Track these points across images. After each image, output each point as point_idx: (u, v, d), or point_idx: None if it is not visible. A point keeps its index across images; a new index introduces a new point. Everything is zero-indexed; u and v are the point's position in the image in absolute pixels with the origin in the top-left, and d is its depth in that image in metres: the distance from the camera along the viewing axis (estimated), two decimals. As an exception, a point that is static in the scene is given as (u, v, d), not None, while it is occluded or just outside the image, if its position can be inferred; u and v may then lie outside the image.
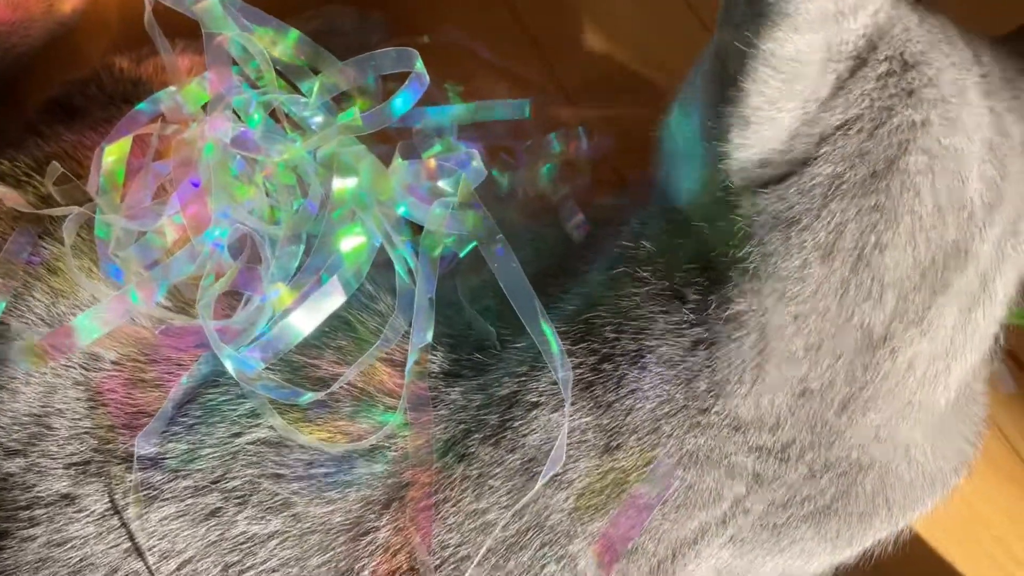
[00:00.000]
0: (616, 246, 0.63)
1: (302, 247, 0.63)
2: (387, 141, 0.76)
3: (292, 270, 0.62)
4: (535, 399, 0.59)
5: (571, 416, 0.58)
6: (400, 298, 0.63)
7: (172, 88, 0.69)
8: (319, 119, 0.69)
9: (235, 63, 0.71)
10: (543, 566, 0.58)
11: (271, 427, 0.59)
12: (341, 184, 0.65)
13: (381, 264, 0.65)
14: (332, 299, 0.61)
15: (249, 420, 0.59)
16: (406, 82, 0.66)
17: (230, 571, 0.57)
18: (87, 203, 0.65)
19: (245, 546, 0.57)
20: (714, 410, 0.57)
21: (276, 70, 0.71)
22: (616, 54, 0.93)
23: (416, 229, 0.68)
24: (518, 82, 0.88)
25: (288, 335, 0.60)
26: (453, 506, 0.58)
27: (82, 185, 0.65)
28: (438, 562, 0.57)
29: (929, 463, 0.61)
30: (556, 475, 0.57)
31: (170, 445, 0.59)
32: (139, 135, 0.68)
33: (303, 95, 0.72)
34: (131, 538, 0.57)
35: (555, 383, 0.59)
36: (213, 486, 0.58)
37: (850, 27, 0.54)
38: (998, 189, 0.56)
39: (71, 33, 0.91)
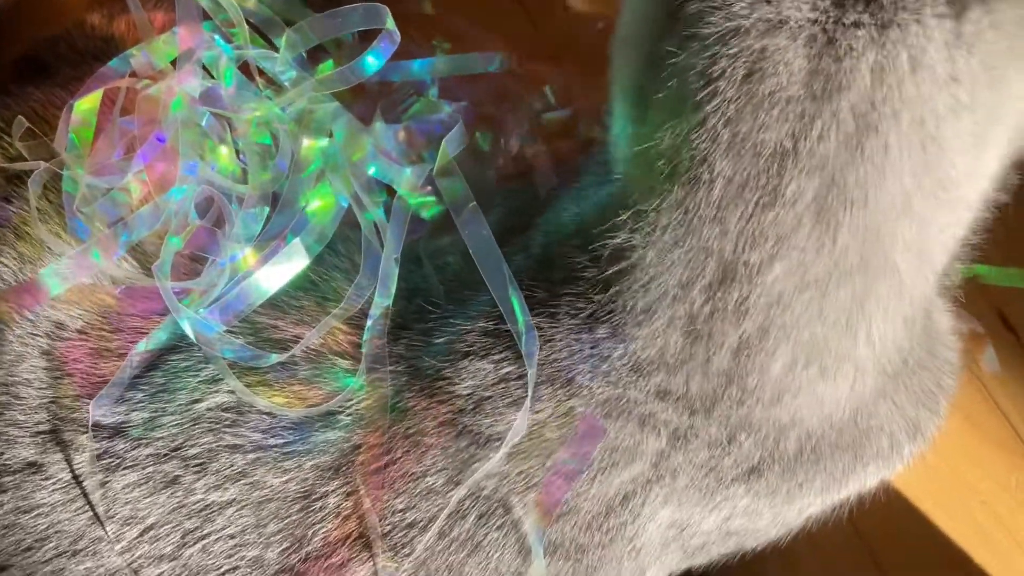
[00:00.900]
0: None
1: (267, 208, 0.62)
2: (365, 97, 0.74)
3: (256, 231, 0.61)
4: (465, 348, 0.58)
5: (499, 365, 0.57)
6: (365, 260, 0.61)
7: (142, 44, 0.67)
8: (292, 75, 0.67)
9: (208, 17, 0.69)
10: (486, 534, 0.57)
11: (231, 391, 0.58)
12: (311, 143, 0.64)
13: (350, 223, 0.64)
14: (295, 261, 0.60)
15: (209, 386, 0.58)
16: (376, 39, 0.64)
17: (188, 537, 0.57)
18: (55, 159, 0.64)
19: (203, 513, 0.57)
20: (615, 355, 0.56)
21: (249, 23, 0.69)
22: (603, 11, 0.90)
23: (391, 190, 0.66)
24: (504, 43, 0.85)
25: (250, 296, 0.59)
26: (398, 468, 0.57)
27: (49, 142, 0.64)
28: (388, 528, 0.57)
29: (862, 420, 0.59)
30: (488, 432, 0.57)
31: (133, 414, 0.58)
32: (110, 92, 0.66)
33: (276, 50, 0.71)
34: (90, 506, 0.56)
35: (486, 333, 0.58)
36: (173, 454, 0.57)
37: None
38: None
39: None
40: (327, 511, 0.57)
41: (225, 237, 0.61)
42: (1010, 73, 0.50)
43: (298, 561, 0.57)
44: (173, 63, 0.67)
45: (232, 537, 0.57)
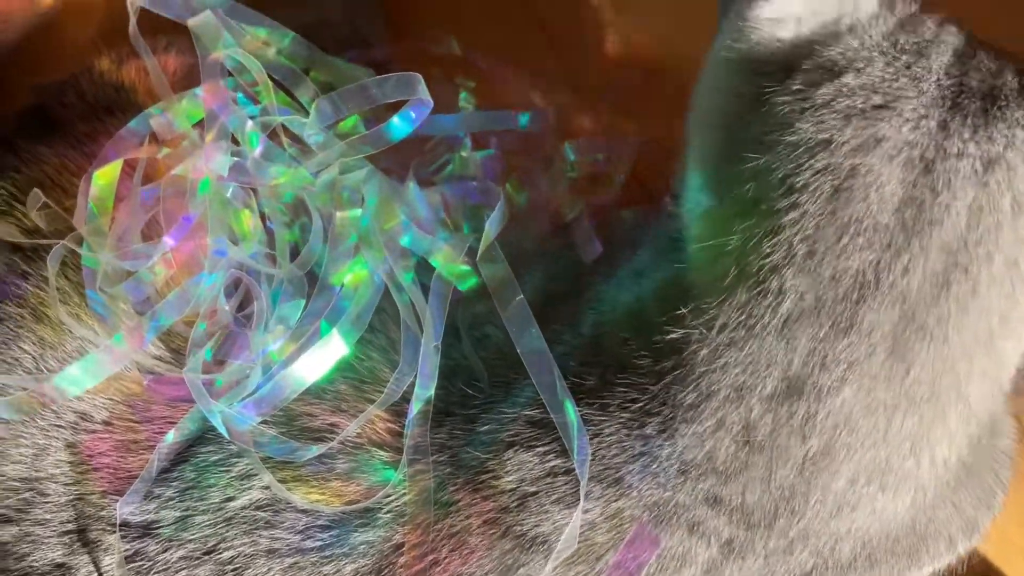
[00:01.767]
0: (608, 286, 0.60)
1: (302, 301, 0.59)
2: (394, 149, 0.71)
3: (294, 321, 0.58)
4: (510, 438, 0.56)
5: (544, 458, 0.55)
6: (405, 347, 0.58)
7: (163, 104, 0.64)
8: (320, 138, 0.64)
9: (230, 74, 0.66)
10: None
11: (265, 487, 0.55)
12: (345, 214, 0.61)
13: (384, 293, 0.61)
14: (333, 350, 0.57)
15: (242, 482, 0.56)
16: (407, 104, 0.61)
17: None
18: (72, 234, 0.61)
19: None
20: (664, 453, 0.53)
21: (271, 78, 0.66)
22: (640, 52, 0.87)
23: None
24: (534, 82, 0.82)
25: (286, 389, 0.57)
26: (443, 571, 0.55)
27: (68, 218, 0.61)
28: None
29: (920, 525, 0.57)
30: (532, 533, 0.54)
31: (164, 512, 0.56)
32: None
33: (300, 104, 0.68)
34: None
35: (532, 423, 0.56)
36: (206, 557, 0.55)
37: None
38: None
39: (52, 25, 0.85)
40: None
41: (255, 328, 0.58)
42: None
43: None
44: (193, 125, 0.65)
45: None
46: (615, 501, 0.54)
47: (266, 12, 0.72)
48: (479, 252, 0.58)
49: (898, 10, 0.53)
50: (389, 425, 0.58)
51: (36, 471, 0.57)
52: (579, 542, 0.54)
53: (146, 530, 0.55)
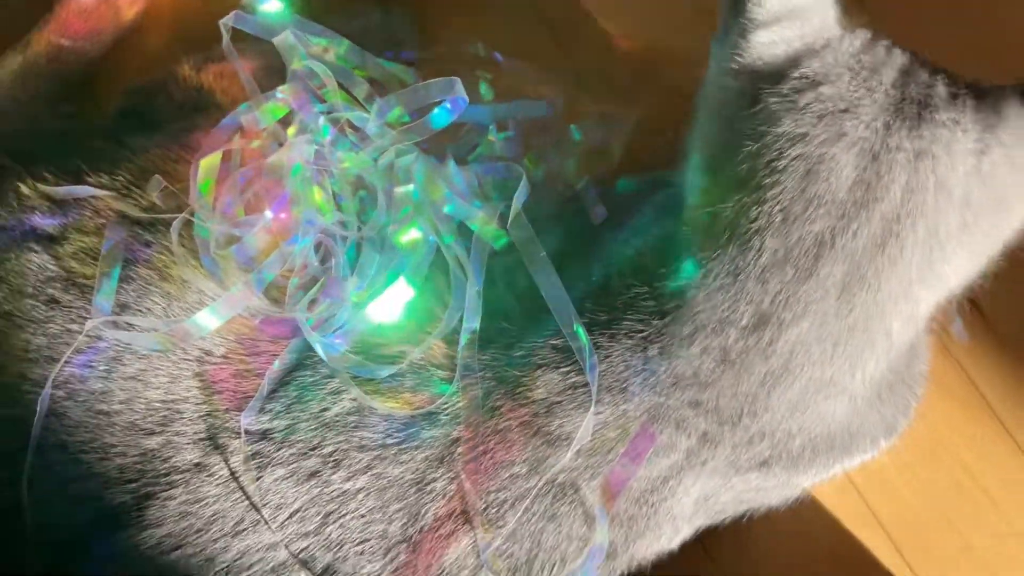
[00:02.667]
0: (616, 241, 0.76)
1: (376, 256, 0.75)
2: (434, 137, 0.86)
3: (370, 275, 0.74)
4: (539, 361, 0.72)
5: (567, 376, 0.71)
6: (454, 289, 0.75)
7: (252, 103, 0.80)
8: (377, 129, 0.80)
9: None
10: (559, 508, 0.71)
11: (352, 399, 0.72)
12: (403, 189, 0.77)
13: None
14: (400, 293, 0.73)
15: (334, 397, 0.72)
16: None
17: (328, 518, 0.71)
18: (185, 209, 0.77)
19: (339, 499, 0.71)
20: (661, 369, 0.69)
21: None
22: (634, 48, 1.02)
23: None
24: (543, 76, 0.97)
25: (365, 323, 0.73)
26: (490, 458, 0.71)
27: (182, 197, 0.77)
28: (484, 506, 0.71)
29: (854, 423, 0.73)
30: (557, 432, 0.71)
31: (276, 422, 0.72)
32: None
33: (359, 103, 0.84)
34: (247, 497, 0.70)
35: (556, 349, 0.72)
36: (312, 452, 0.71)
37: None
38: None
39: (132, 34, 1.00)
40: (435, 493, 0.71)
41: (336, 276, 0.74)
42: (1014, 203, 0.64)
43: (415, 533, 0.71)
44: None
45: (362, 516, 0.71)
46: (622, 405, 0.71)
47: (321, 21, 0.88)
48: (509, 219, 0.74)
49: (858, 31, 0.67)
50: (444, 351, 0.74)
51: (171, 395, 0.73)
52: (594, 438, 0.71)
53: (263, 436, 0.72)
